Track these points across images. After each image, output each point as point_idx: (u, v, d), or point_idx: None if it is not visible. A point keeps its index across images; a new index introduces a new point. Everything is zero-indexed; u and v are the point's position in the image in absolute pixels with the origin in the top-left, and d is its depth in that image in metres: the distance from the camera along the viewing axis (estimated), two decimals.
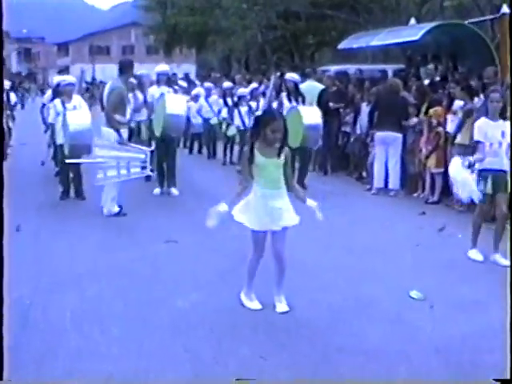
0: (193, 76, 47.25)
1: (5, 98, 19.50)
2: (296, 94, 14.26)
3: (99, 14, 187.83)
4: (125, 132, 11.60)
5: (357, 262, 8.25)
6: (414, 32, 19.43)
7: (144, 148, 11.14)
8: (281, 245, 6.54)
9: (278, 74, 15.54)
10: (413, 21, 23.17)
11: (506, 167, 8.42)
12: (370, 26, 27.92)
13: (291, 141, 12.96)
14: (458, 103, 11.77)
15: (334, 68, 23.23)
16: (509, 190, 8.40)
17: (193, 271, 7.94)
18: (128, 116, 11.57)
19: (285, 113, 13.29)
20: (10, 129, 19.34)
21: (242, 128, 16.58)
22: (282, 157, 6.42)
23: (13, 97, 22.06)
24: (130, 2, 48.17)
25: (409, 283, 7.32)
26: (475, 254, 8.62)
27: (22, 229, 9.74)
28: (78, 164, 12.23)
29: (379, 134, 13.50)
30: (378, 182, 13.55)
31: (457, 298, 6.99)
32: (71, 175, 12.67)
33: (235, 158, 17.64)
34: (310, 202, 6.49)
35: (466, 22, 20.57)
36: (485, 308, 6.69)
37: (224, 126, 18.09)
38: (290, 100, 14.24)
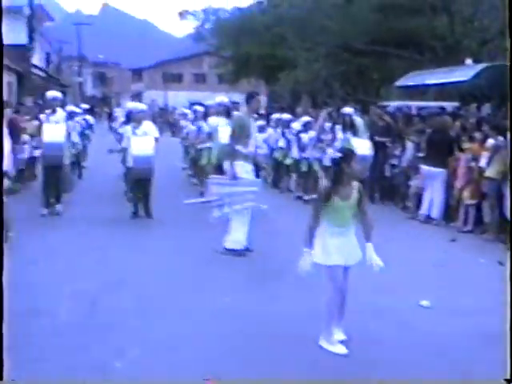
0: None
1: (82, 121, 21.20)
2: (351, 126, 15.42)
3: (173, 41, 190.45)
4: None
5: (378, 274, 9.35)
6: (465, 73, 20.44)
7: (256, 180, 11.10)
8: (346, 281, 6.74)
9: (330, 109, 16.58)
10: (469, 61, 24.12)
11: None
12: (433, 65, 28.73)
13: None
14: (490, 141, 12.79)
15: (393, 104, 24.33)
16: None
17: None
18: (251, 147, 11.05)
19: (339, 144, 14.70)
20: (84, 147, 20.99)
21: (297, 158, 17.71)
22: (355, 196, 6.57)
23: (90, 119, 23.70)
24: (203, 30, 49.88)
25: (421, 295, 8.46)
26: None
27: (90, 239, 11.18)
28: (148, 185, 13.63)
29: (425, 168, 14.43)
30: (424, 209, 14.54)
31: (462, 307, 8.15)
32: (140, 195, 13.84)
33: (292, 186, 18.89)
34: (369, 250, 6.63)
35: None
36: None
37: (281, 156, 19.12)
38: (344, 132, 15.43)
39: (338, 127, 15.99)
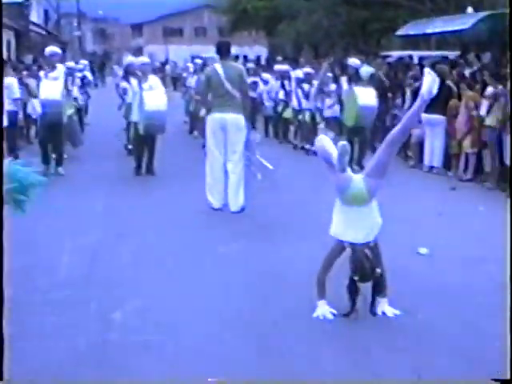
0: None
1: (79, 76, 20.98)
2: (356, 78, 15.32)
3: None
4: None
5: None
6: (466, 21, 20.33)
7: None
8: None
9: (331, 60, 16.55)
10: (470, 9, 23.98)
11: None
12: (434, 14, 28.46)
13: (347, 120, 14.31)
14: (489, 89, 12.75)
15: (395, 54, 24.25)
16: None
17: None
18: None
19: (343, 95, 15.18)
20: (86, 106, 20.90)
21: (297, 108, 17.62)
22: None
23: (88, 75, 23.49)
24: None
25: (420, 243, 8.54)
26: None
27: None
28: (153, 141, 13.54)
29: (426, 116, 13.87)
30: (427, 160, 14.72)
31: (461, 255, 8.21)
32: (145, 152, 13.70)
33: (291, 137, 18.88)
34: None
35: None
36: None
37: (280, 108, 19.10)
38: (349, 83, 15.35)
39: (344, 78, 15.96)
